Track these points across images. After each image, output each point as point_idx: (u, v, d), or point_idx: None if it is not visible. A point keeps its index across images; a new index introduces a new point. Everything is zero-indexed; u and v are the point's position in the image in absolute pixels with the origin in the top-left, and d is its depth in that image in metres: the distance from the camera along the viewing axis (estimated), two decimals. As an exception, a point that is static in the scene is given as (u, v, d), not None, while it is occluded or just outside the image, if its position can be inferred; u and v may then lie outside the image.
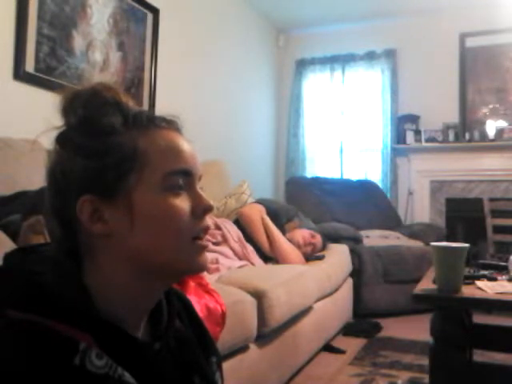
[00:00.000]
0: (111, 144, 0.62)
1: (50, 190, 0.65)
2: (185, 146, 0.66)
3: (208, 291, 1.44)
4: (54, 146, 0.64)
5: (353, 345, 2.68)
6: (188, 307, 0.78)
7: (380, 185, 4.57)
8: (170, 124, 0.67)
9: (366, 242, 3.51)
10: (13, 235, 1.35)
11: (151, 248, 0.62)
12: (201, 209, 0.65)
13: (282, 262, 2.50)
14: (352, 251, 3.27)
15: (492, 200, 3.52)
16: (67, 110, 0.64)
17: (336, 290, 2.80)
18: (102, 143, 0.62)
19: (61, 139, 0.64)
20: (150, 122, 0.65)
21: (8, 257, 0.63)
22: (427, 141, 4.44)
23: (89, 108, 0.63)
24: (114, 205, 0.61)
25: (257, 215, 2.61)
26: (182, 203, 0.63)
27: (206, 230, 0.66)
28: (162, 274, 0.64)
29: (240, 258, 2.33)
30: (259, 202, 2.85)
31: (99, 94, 0.64)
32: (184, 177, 0.64)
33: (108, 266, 0.62)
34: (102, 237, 0.62)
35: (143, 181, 0.62)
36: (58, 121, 0.65)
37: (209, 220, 0.67)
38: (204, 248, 0.66)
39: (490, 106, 4.33)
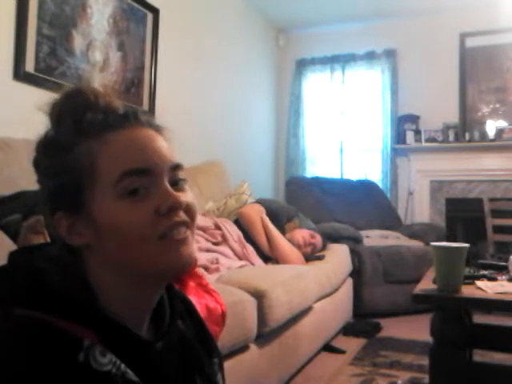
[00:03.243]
0: (65, 161, 0.61)
1: (41, 209, 0.67)
2: (141, 141, 0.62)
3: (208, 291, 1.44)
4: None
5: (353, 345, 2.68)
6: (190, 308, 0.78)
7: (380, 185, 4.57)
8: (127, 120, 0.63)
9: (366, 242, 3.51)
10: (13, 235, 1.35)
11: (123, 256, 0.61)
12: (165, 207, 0.60)
13: (282, 262, 2.50)
14: (352, 251, 3.27)
15: (492, 200, 3.52)
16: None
17: (336, 290, 2.80)
18: (57, 162, 0.62)
19: (33, 162, 0.65)
20: (104, 126, 0.62)
21: (13, 255, 0.64)
22: (427, 141, 4.44)
23: (51, 126, 0.64)
24: (81, 219, 0.62)
25: (256, 215, 2.61)
26: (141, 207, 0.60)
27: (178, 224, 0.62)
28: (146, 277, 0.63)
29: (240, 258, 2.33)
30: (259, 202, 2.85)
31: (65, 104, 0.63)
32: (142, 176, 0.61)
33: (98, 271, 0.63)
34: (84, 247, 0.63)
35: (97, 191, 0.61)
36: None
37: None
38: (178, 242, 0.62)
39: (490, 106, 4.33)
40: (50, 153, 0.63)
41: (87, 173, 0.61)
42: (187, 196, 0.64)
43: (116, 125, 0.62)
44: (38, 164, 0.65)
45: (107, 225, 0.60)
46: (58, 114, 0.63)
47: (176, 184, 0.64)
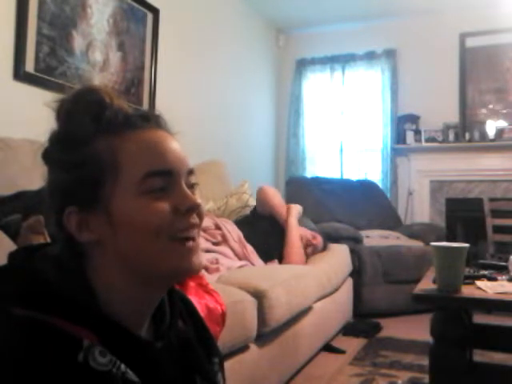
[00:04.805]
0: (84, 155, 0.62)
1: (45, 206, 0.66)
2: (164, 144, 0.64)
3: (208, 291, 1.44)
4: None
5: (353, 345, 2.68)
6: (190, 308, 0.79)
7: (380, 185, 4.57)
8: (148, 122, 0.65)
9: (366, 242, 3.51)
10: (13, 235, 1.35)
11: (136, 253, 0.62)
12: (184, 207, 0.63)
13: (285, 254, 2.50)
14: (352, 251, 3.26)
15: (492, 200, 3.52)
16: (56, 120, 0.65)
17: (336, 290, 2.80)
18: (74, 155, 0.62)
19: (43, 155, 0.65)
20: (125, 125, 0.63)
21: (13, 256, 0.64)
22: (427, 141, 4.44)
23: (63, 120, 0.64)
24: (96, 214, 0.62)
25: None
26: (161, 204, 0.62)
27: (193, 226, 0.64)
28: (154, 277, 0.64)
29: (240, 258, 2.33)
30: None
31: (79, 100, 0.64)
32: (164, 177, 0.63)
33: (105, 270, 0.63)
34: (92, 244, 0.63)
35: (119, 187, 0.61)
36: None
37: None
38: (192, 249, 0.64)
39: (490, 106, 4.33)
40: (67, 146, 0.63)
41: (109, 168, 0.61)
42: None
43: (137, 125, 0.64)
44: (50, 157, 0.64)
45: (125, 220, 0.61)
46: (71, 109, 0.64)
47: (190, 187, 0.66)
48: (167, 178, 0.63)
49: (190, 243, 0.64)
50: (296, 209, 2.69)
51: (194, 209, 0.64)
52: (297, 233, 2.59)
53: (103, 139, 0.62)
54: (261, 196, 2.71)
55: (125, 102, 0.66)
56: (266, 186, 2.82)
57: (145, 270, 0.63)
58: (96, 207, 0.62)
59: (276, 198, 2.74)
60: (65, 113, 0.64)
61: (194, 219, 0.65)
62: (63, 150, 0.63)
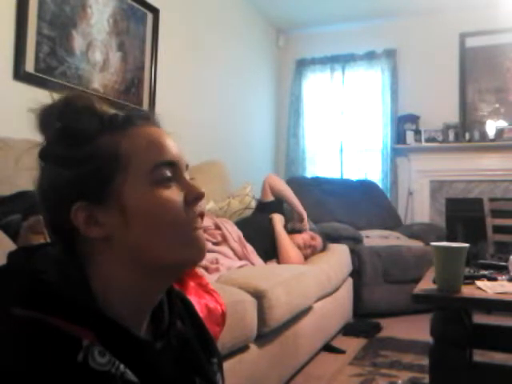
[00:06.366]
0: (90, 151, 0.63)
1: (43, 206, 0.66)
2: (165, 138, 0.67)
3: (208, 291, 1.44)
4: (38, 163, 0.66)
5: (353, 345, 2.68)
6: (189, 308, 0.79)
7: (380, 185, 4.57)
8: (147, 120, 0.68)
9: (366, 242, 3.51)
10: (13, 235, 1.35)
11: (151, 243, 0.63)
12: (192, 196, 0.66)
13: (282, 259, 2.50)
14: (352, 251, 3.27)
15: (492, 200, 3.52)
16: (44, 124, 0.65)
17: (336, 290, 2.80)
18: (80, 151, 0.63)
19: (42, 154, 0.65)
20: (127, 122, 0.66)
21: (12, 256, 0.64)
22: (427, 141, 4.44)
23: (64, 118, 0.65)
24: (107, 207, 0.62)
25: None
26: (173, 194, 0.64)
27: (201, 215, 0.68)
28: (165, 268, 0.65)
29: (240, 258, 2.33)
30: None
31: (72, 103, 0.65)
32: (171, 167, 0.65)
33: (109, 268, 0.63)
34: (101, 240, 0.63)
35: (130, 179, 0.63)
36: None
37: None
38: (202, 237, 0.67)
39: (490, 106, 4.33)
40: (72, 143, 0.63)
41: (117, 162, 0.62)
42: None
43: (138, 122, 0.67)
44: (52, 155, 0.64)
45: (140, 211, 0.62)
46: (75, 108, 0.65)
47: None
48: (173, 169, 0.66)
49: (200, 231, 0.67)
50: (279, 217, 2.73)
51: (200, 198, 0.67)
52: (286, 237, 2.62)
53: (108, 135, 0.64)
54: (270, 181, 2.91)
55: (107, 106, 0.69)
56: (274, 175, 3.12)
57: (154, 261, 0.63)
58: (107, 201, 0.62)
59: (285, 184, 3.00)
60: (59, 113, 0.65)
61: (201, 207, 0.67)
62: (66, 147, 0.63)
